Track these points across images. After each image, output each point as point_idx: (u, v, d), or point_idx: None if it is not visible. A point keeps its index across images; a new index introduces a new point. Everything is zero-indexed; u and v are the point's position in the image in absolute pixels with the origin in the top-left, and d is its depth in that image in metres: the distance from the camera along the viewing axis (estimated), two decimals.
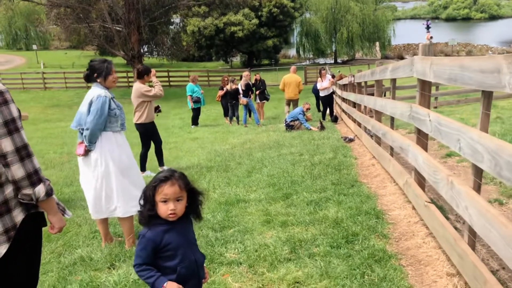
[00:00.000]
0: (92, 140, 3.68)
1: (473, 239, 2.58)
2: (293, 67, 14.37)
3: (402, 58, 49.00)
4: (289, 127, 11.23)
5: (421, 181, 3.85)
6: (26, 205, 1.97)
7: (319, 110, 15.63)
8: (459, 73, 2.56)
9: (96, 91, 3.78)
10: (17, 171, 1.87)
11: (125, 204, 3.75)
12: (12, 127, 1.87)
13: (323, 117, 13.18)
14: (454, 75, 2.64)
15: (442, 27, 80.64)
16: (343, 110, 13.28)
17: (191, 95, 13.65)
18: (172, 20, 33.82)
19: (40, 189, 1.94)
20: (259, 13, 43.77)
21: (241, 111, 14.17)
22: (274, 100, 20.35)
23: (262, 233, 3.83)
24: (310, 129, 10.90)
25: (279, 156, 7.24)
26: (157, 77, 7.12)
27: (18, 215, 1.94)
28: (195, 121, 14.27)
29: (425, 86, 3.68)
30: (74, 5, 23.85)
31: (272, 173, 5.97)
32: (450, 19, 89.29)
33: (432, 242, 3.29)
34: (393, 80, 5.17)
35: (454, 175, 2.84)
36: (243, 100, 13.35)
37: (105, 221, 3.94)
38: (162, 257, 1.99)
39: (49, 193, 1.99)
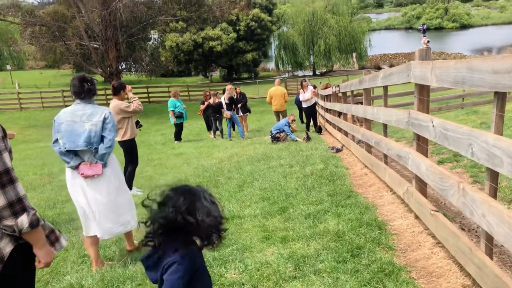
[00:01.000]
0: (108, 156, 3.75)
1: (491, 247, 2.47)
2: (277, 80, 14.88)
3: (379, 68, 49.75)
4: (275, 139, 11.12)
5: (423, 189, 3.74)
6: (14, 236, 1.75)
7: (302, 122, 15.60)
8: (467, 75, 2.46)
9: (100, 108, 3.75)
10: None
11: (135, 216, 3.92)
12: None
13: (307, 128, 13.12)
14: (461, 78, 2.54)
15: (416, 37, 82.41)
16: (327, 121, 13.25)
17: (173, 110, 13.45)
18: (150, 36, 33.64)
19: (24, 220, 1.71)
20: (237, 27, 43.98)
21: (225, 124, 14.02)
22: (257, 112, 20.34)
23: (262, 250, 3.65)
24: (296, 140, 10.81)
25: (269, 169, 7.09)
26: (136, 93, 6.96)
27: (6, 247, 1.73)
28: (178, 136, 14.05)
29: (423, 91, 3.59)
30: (49, 23, 23.47)
31: (265, 187, 5.81)
32: None
33: (441, 253, 3.17)
34: (385, 88, 5.09)
35: (465, 181, 2.73)
36: (226, 113, 13.22)
37: (96, 243, 3.79)
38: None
39: (33, 224, 1.75)
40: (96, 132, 3.62)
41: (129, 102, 6.58)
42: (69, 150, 3.63)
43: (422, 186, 3.75)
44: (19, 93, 30.22)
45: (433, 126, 3.10)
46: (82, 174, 3.65)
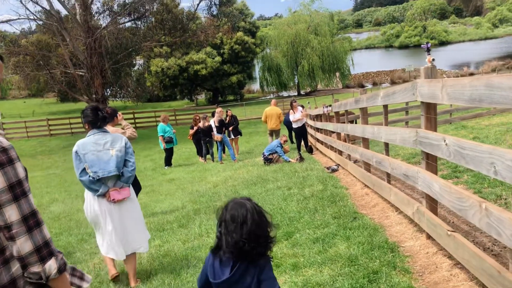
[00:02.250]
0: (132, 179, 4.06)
1: None
2: (273, 101, 15.16)
3: (362, 86, 50.52)
4: (268, 160, 11.04)
5: (434, 208, 3.67)
6: (37, 283, 1.61)
7: (292, 142, 15.59)
8: (486, 93, 2.42)
9: (117, 134, 4.06)
10: (24, 244, 1.52)
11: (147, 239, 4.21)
12: (18, 191, 1.55)
13: (299, 148, 13.07)
14: (479, 95, 2.50)
15: (396, 55, 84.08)
16: (317, 140, 13.24)
17: (162, 136, 13.31)
18: (135, 62, 33.63)
19: (52, 265, 1.58)
20: (221, 50, 44.36)
21: (216, 147, 13.93)
22: (245, 134, 20.26)
23: None
24: (289, 161, 10.74)
25: (267, 192, 6.99)
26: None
27: None
28: (168, 161, 13.88)
29: (430, 109, 3.56)
30: (33, 52, 23.29)
31: (266, 211, 5.68)
32: (403, 47, 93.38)
33: (461, 274, 3.08)
34: (385, 107, 5.07)
35: (487, 200, 2.67)
36: (217, 136, 13.13)
37: (133, 260, 4.09)
38: None
39: (61, 268, 1.62)
40: (122, 157, 3.89)
41: (122, 129, 6.44)
42: (99, 179, 3.79)
43: (433, 206, 3.68)
44: (2, 123, 29.77)
45: (446, 144, 3.05)
46: (113, 199, 3.85)
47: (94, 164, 3.76)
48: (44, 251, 1.57)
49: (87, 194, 3.93)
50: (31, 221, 1.56)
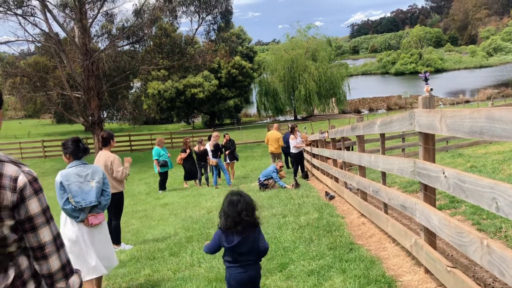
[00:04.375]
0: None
1: None
2: (275, 125, 15.48)
3: (359, 112, 50.78)
4: (263, 186, 10.91)
5: (433, 242, 3.56)
6: None
7: (288, 167, 15.50)
8: (487, 125, 2.34)
9: (95, 166, 4.51)
10: (54, 262, 1.70)
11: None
12: (48, 215, 1.71)
13: (295, 174, 12.96)
14: (479, 128, 2.42)
15: (392, 81, 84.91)
16: (313, 166, 13.16)
17: (157, 159, 13.19)
18: (132, 85, 33.72)
19: (75, 281, 1.78)
20: (219, 74, 44.63)
21: (211, 172, 13.81)
22: (241, 158, 20.13)
23: None
24: (285, 187, 10.62)
25: (262, 219, 6.83)
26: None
27: None
28: (162, 185, 13.71)
29: (428, 140, 3.48)
30: (30, 74, 23.30)
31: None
32: (399, 73, 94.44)
33: None
34: (382, 135, 5.00)
35: (488, 237, 2.56)
36: (212, 161, 13.02)
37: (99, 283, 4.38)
38: None
39: (81, 284, 1.83)
40: (100, 188, 4.27)
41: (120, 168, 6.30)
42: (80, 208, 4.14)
43: (432, 239, 3.57)
44: None
45: (445, 176, 2.95)
46: (91, 224, 4.21)
47: (77, 195, 4.11)
48: (67, 268, 1.75)
49: (65, 219, 4.23)
50: (58, 241, 1.73)
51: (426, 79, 3.73)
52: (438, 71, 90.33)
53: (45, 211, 1.69)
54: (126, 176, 6.25)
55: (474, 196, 2.55)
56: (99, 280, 4.45)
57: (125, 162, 6.41)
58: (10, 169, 1.64)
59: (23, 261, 1.68)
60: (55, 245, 1.70)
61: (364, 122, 5.60)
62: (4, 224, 1.59)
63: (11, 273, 1.63)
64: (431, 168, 3.23)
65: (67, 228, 4.22)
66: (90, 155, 4.68)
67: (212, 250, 3.19)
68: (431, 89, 3.57)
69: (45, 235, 1.66)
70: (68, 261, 1.77)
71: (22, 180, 1.64)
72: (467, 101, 49.22)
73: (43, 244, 1.66)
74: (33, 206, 1.65)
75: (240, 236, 3.02)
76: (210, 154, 13.75)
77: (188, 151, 14.07)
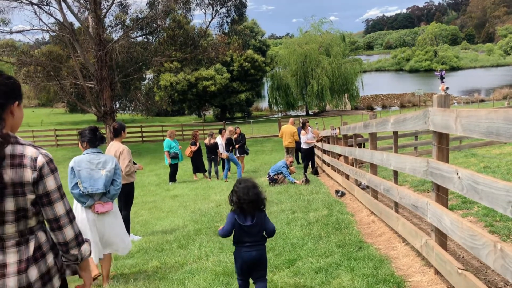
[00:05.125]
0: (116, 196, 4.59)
1: None
2: (291, 119, 15.53)
3: (372, 108, 50.33)
4: (273, 180, 10.88)
5: (444, 243, 3.50)
6: (61, 272, 2.02)
7: (298, 162, 15.46)
8: (504, 126, 2.28)
9: (109, 156, 4.60)
10: (68, 232, 1.98)
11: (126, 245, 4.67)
12: (62, 192, 1.98)
13: (305, 170, 12.92)
14: (496, 129, 2.36)
15: (406, 78, 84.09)
16: (324, 162, 13.09)
17: (168, 151, 13.22)
18: (145, 76, 33.81)
19: (86, 248, 2.08)
20: (231, 67, 44.51)
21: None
22: (251, 152, 20.12)
23: None
24: (295, 182, 10.57)
25: (271, 215, 6.80)
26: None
27: (56, 282, 1.99)
28: (172, 177, 13.75)
29: (442, 139, 3.42)
30: (44, 63, 23.42)
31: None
32: (413, 71, 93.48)
33: None
34: (395, 133, 4.93)
35: (502, 240, 2.50)
36: (224, 154, 13.03)
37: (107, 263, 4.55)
38: None
39: (90, 252, 2.13)
40: (110, 177, 4.38)
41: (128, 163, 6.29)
42: (88, 193, 4.28)
43: (443, 240, 3.51)
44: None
45: (458, 177, 2.89)
46: (97, 211, 4.34)
47: (85, 181, 4.27)
48: (79, 238, 2.04)
49: (76, 204, 4.41)
50: (71, 214, 2.01)
51: (442, 78, 3.65)
52: (453, 69, 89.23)
53: (60, 188, 1.96)
54: (131, 172, 6.23)
55: (489, 198, 2.49)
56: (107, 269, 4.51)
57: (137, 165, 6.55)
58: (30, 151, 1.89)
59: (42, 236, 1.96)
60: (68, 217, 1.99)
61: (377, 120, 5.53)
62: (27, 198, 1.86)
63: (32, 246, 1.89)
64: (445, 169, 3.17)
65: (77, 213, 4.34)
66: (103, 145, 4.73)
67: (227, 232, 3.42)
68: (447, 88, 3.49)
69: (59, 208, 1.95)
70: (80, 232, 2.05)
71: (40, 160, 1.90)
72: (482, 100, 48.56)
73: (59, 217, 1.94)
74: (50, 183, 1.92)
75: (251, 217, 3.36)
76: (220, 147, 13.78)
77: (197, 144, 14.09)
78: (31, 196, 1.87)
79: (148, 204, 10.10)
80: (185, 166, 17.52)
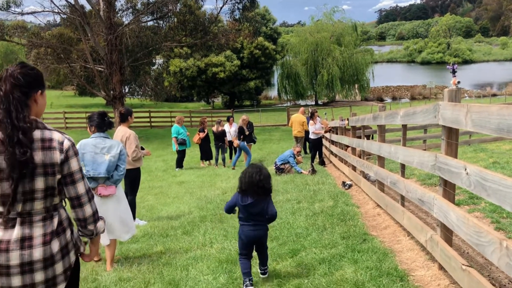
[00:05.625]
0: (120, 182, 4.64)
1: None
2: (301, 108, 15.27)
3: (381, 99, 50.01)
4: (279, 170, 10.88)
5: (449, 238, 3.48)
6: (76, 247, 2.23)
7: (305, 152, 15.41)
8: None
9: (115, 141, 4.65)
10: (88, 209, 2.19)
11: (130, 230, 4.71)
12: (83, 173, 2.21)
13: (312, 160, 12.89)
14: (507, 126, 2.32)
15: (418, 70, 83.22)
16: (331, 153, 13.04)
17: (176, 137, 13.25)
18: (154, 61, 33.71)
19: (101, 225, 2.31)
20: (241, 54, 44.26)
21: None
22: (258, 141, 20.10)
23: None
24: (301, 172, 10.56)
25: (276, 204, 6.77)
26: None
27: (73, 256, 2.21)
28: (179, 163, 13.79)
29: (452, 134, 3.37)
30: (55, 45, 23.44)
31: (272, 224, 5.52)
32: (425, 63, 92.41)
33: None
34: (404, 126, 4.88)
35: (508, 238, 2.47)
36: (236, 142, 13.08)
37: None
38: None
39: (104, 229, 2.36)
40: (114, 162, 4.45)
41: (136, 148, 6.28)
42: (90, 176, 4.36)
43: (448, 235, 3.49)
44: None
45: (466, 173, 2.86)
46: (99, 194, 4.40)
47: (88, 164, 4.35)
48: (96, 215, 2.25)
49: None
50: (90, 193, 2.22)
51: (454, 71, 3.59)
52: (466, 62, 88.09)
53: (81, 169, 2.19)
54: (138, 158, 6.23)
55: (497, 195, 2.46)
56: (112, 253, 4.56)
57: (144, 151, 6.53)
58: (57, 135, 2.11)
59: (63, 212, 2.20)
60: (88, 196, 2.20)
61: (387, 112, 5.48)
62: (55, 178, 2.08)
63: (55, 221, 2.13)
64: (453, 164, 3.13)
65: None
66: (111, 130, 4.90)
67: (229, 208, 3.79)
68: (458, 82, 3.44)
69: (81, 188, 2.16)
70: (97, 210, 2.27)
71: (66, 143, 2.12)
72: (494, 95, 47.92)
73: (80, 195, 2.16)
74: (74, 164, 2.14)
75: (253, 198, 3.62)
76: (228, 135, 13.80)
77: (206, 130, 14.10)
78: (58, 176, 2.09)
79: (155, 190, 10.15)
80: (192, 153, 17.55)
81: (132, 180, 6.39)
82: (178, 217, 6.79)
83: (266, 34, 50.02)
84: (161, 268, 4.32)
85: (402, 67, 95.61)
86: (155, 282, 3.96)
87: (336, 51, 44.58)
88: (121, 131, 6.17)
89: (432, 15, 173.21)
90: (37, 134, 2.05)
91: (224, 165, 13.85)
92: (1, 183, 1.99)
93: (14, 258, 2.01)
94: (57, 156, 2.07)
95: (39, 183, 2.03)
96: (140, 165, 6.40)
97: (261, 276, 3.84)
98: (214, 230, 5.60)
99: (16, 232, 2.03)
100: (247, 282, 3.58)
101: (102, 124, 4.53)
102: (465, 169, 2.89)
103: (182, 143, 13.28)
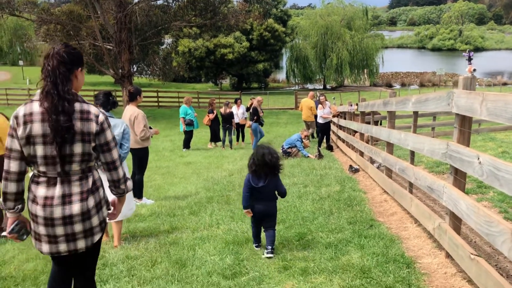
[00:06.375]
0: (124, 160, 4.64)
1: None
2: (311, 93, 15.44)
3: (390, 85, 49.53)
4: (286, 153, 10.86)
5: (457, 227, 3.47)
6: (108, 204, 2.62)
7: (313, 137, 15.37)
8: None
9: (119, 120, 4.71)
10: (120, 172, 2.58)
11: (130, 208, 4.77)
12: (115, 142, 2.56)
13: (319, 144, 12.86)
14: None
15: (428, 57, 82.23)
16: (339, 138, 13.00)
17: (184, 117, 13.25)
18: (163, 41, 33.50)
19: (130, 184, 2.71)
20: (250, 36, 43.86)
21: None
22: (266, 124, 20.06)
23: (281, 282, 3.38)
24: (308, 156, 10.54)
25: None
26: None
27: (105, 211, 2.59)
28: (187, 144, 13.82)
29: (465, 122, 3.33)
30: (64, 22, 23.34)
31: (279, 207, 5.51)
32: (436, 49, 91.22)
33: None
34: (415, 113, 4.84)
35: None
36: (248, 123, 13.22)
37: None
38: None
39: (132, 187, 2.78)
40: (118, 141, 4.49)
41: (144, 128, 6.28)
42: None
43: (457, 224, 3.48)
44: (29, 89, 30.23)
45: (479, 162, 2.83)
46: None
47: None
48: (125, 176, 2.64)
49: None
50: (120, 159, 2.60)
51: (469, 59, 3.53)
52: (478, 49, 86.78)
53: (114, 138, 2.54)
54: (146, 137, 6.24)
55: (510, 186, 2.44)
56: (118, 231, 4.60)
57: (153, 130, 6.52)
58: (93, 109, 2.43)
59: (96, 174, 2.54)
60: (120, 161, 2.58)
61: (398, 98, 5.43)
62: (91, 144, 2.40)
63: (90, 181, 2.47)
64: (465, 152, 3.10)
65: None
66: (118, 108, 4.91)
67: (245, 197, 4.02)
68: (474, 70, 3.38)
69: (115, 154, 2.53)
70: (126, 172, 2.59)
71: (101, 116, 2.45)
72: (505, 83, 47.30)
73: (115, 160, 2.53)
74: (108, 134, 2.48)
75: (265, 179, 3.92)
76: (235, 117, 13.81)
77: (214, 111, 14.08)
78: (93, 144, 2.41)
79: (162, 169, 10.19)
80: (200, 134, 17.57)
81: (140, 159, 6.42)
82: (185, 197, 6.82)
83: (276, 16, 49.47)
84: (168, 247, 4.35)
85: (412, 53, 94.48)
86: (162, 261, 3.99)
87: (346, 35, 44.06)
88: (130, 110, 6.17)
89: (445, 1, 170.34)
90: (77, 106, 2.36)
91: (231, 147, 13.86)
92: (45, 147, 2.31)
93: (57, 212, 2.36)
94: (93, 127, 2.39)
95: (78, 148, 2.35)
96: (148, 144, 6.42)
97: (266, 255, 3.88)
98: (220, 212, 5.63)
99: (58, 190, 2.37)
100: (256, 244, 4.15)
101: (107, 103, 4.61)
102: (478, 158, 2.86)
103: (189, 123, 13.28)
